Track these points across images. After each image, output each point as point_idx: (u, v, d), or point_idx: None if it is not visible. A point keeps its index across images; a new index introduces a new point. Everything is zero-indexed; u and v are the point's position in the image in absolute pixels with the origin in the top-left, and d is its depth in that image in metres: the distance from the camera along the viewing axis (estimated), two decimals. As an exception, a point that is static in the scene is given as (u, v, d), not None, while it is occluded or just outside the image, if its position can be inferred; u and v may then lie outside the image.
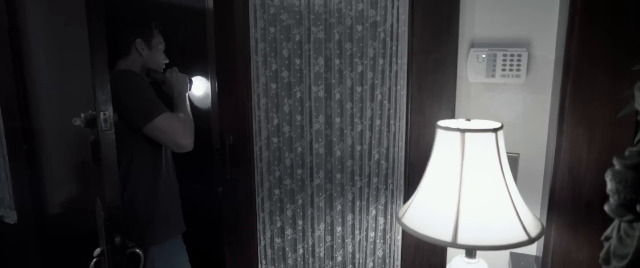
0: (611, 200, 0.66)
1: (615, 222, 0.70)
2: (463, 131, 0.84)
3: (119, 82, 1.44)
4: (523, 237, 0.80)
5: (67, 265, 2.00)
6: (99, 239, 1.36)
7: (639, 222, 0.64)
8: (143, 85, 1.54)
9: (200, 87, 1.84)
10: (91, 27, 1.22)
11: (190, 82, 1.72)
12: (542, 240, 1.10)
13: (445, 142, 0.87)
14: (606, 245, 0.72)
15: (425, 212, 0.88)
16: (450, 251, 1.34)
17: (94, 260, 1.38)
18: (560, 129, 1.00)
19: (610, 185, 0.65)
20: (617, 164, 0.65)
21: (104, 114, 1.25)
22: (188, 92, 1.70)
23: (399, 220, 0.94)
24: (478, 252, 1.01)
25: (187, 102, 1.66)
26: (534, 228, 0.84)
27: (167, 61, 1.71)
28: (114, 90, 1.31)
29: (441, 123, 0.92)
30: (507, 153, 1.21)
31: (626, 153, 0.68)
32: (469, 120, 0.96)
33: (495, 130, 0.85)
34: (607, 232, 0.73)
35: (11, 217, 2.15)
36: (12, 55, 1.92)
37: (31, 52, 1.95)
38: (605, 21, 0.93)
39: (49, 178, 2.09)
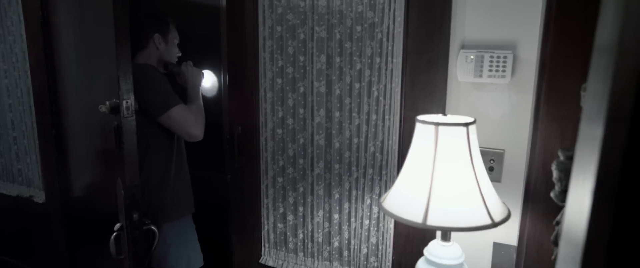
0: (556, 187, 0.74)
1: (564, 208, 0.78)
2: (437, 125, 0.93)
3: (138, 75, 1.54)
4: (487, 221, 0.89)
5: (90, 242, 2.17)
6: (119, 215, 1.49)
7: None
8: (160, 79, 1.66)
9: (209, 80, 1.97)
10: (117, 22, 1.35)
11: (203, 75, 1.84)
12: (518, 230, 1.18)
13: (422, 135, 0.96)
14: (557, 229, 0.81)
15: (402, 197, 0.97)
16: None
17: (114, 234, 1.52)
18: (535, 125, 1.07)
19: (555, 174, 0.74)
20: (560, 155, 0.73)
21: (126, 102, 1.39)
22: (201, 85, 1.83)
23: (380, 204, 1.03)
24: (460, 241, 1.09)
25: (200, 95, 1.77)
26: (499, 214, 0.92)
27: (180, 54, 1.82)
28: (134, 83, 1.45)
29: (420, 117, 1.01)
30: (493, 149, 1.30)
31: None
32: (445, 115, 1.05)
33: (466, 125, 0.93)
34: (558, 217, 0.81)
35: (40, 197, 2.33)
36: (44, 47, 2.08)
37: (61, 44, 2.11)
38: (577, 26, 1.00)
39: (75, 163, 2.25)
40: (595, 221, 0.31)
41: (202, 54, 1.96)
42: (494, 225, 0.89)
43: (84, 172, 2.25)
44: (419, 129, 0.99)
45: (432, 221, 0.89)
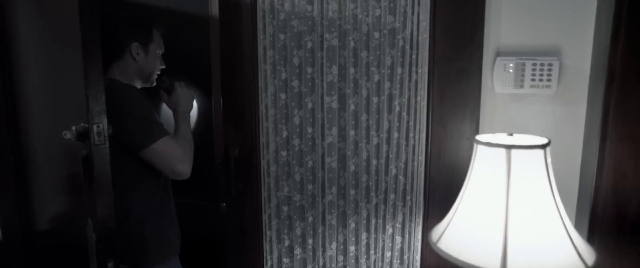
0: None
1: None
2: (509, 147, 0.76)
3: (116, 97, 1.30)
4: (579, 265, 0.72)
5: (56, 286, 1.88)
6: (90, 263, 1.24)
7: None
8: (142, 102, 1.38)
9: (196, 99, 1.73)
10: (85, 32, 1.12)
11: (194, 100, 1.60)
12: (580, 263, 1.02)
13: (487, 159, 0.79)
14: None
15: (467, 237, 0.79)
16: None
17: None
18: (602, 144, 0.92)
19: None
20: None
21: (98, 127, 1.15)
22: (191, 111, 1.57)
23: (434, 245, 0.85)
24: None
25: (190, 123, 1.53)
26: (587, 254, 0.76)
27: (164, 66, 1.55)
28: (109, 105, 1.20)
29: (481, 138, 0.84)
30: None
31: None
32: (511, 134, 0.88)
33: (543, 147, 0.77)
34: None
35: (-4, 234, 2.02)
36: (1, 62, 1.81)
37: (21, 58, 1.84)
38: (653, 28, 0.86)
39: (38, 192, 1.97)
40: None
41: (185, 69, 1.71)
42: (587, 270, 0.73)
43: (49, 205, 1.97)
44: (482, 152, 0.82)
45: (513, 267, 0.72)
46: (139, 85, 1.51)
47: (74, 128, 1.14)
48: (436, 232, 0.88)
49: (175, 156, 1.36)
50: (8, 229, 1.97)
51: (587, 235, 0.97)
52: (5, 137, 1.87)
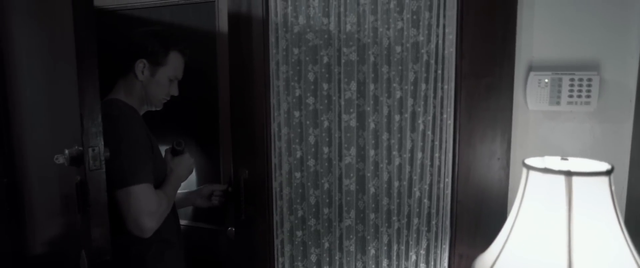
0: None
1: None
2: (569, 174, 0.68)
3: (111, 123, 1.18)
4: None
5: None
6: None
7: None
8: (137, 136, 1.25)
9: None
10: (80, 48, 1.03)
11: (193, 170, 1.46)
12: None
13: (542, 187, 0.71)
14: None
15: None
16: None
17: None
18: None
19: None
20: None
21: (93, 150, 1.05)
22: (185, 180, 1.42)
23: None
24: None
25: (177, 190, 1.37)
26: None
27: (176, 94, 1.38)
28: (105, 128, 1.08)
29: (531, 162, 0.76)
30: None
31: None
32: (565, 159, 0.80)
33: (608, 173, 0.69)
34: None
35: (-14, 261, 1.90)
36: (-7, 78, 1.72)
37: (16, 75, 1.75)
38: None
39: (31, 217, 1.87)
40: None
41: (189, 86, 1.59)
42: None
43: (44, 229, 1.86)
44: (534, 178, 0.73)
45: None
46: (144, 108, 1.37)
47: (66, 151, 1.05)
48: (482, 262, 0.79)
49: (146, 207, 1.19)
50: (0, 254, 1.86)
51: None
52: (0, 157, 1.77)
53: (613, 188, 0.70)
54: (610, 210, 0.68)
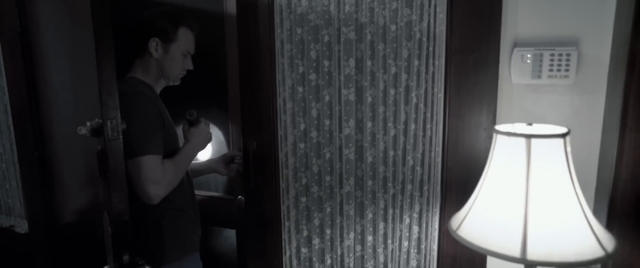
0: None
1: None
2: (529, 137, 0.77)
3: (124, 98, 1.26)
4: (599, 252, 0.74)
5: (81, 277, 1.94)
6: (106, 256, 1.28)
7: None
8: (148, 111, 1.34)
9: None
10: (97, 30, 1.13)
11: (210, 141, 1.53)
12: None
13: (507, 149, 0.81)
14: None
15: (487, 225, 0.81)
16: (490, 262, 1.28)
17: None
18: (622, 133, 0.93)
19: None
20: None
21: (111, 122, 1.17)
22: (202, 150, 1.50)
23: (454, 233, 0.87)
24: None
25: (191, 160, 1.46)
26: (608, 242, 0.77)
27: (191, 68, 1.48)
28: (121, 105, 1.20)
29: (500, 128, 0.85)
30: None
31: None
32: (530, 124, 0.90)
33: (563, 136, 0.78)
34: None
35: (22, 226, 2.09)
36: (23, 59, 1.85)
37: (43, 56, 1.88)
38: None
39: (61, 186, 2.02)
40: None
41: (200, 64, 1.71)
42: (609, 257, 0.74)
43: (74, 197, 2.02)
44: (502, 142, 0.83)
45: (533, 255, 0.73)
46: (161, 84, 1.47)
47: (88, 124, 1.17)
48: (456, 220, 0.90)
49: (151, 176, 1.29)
50: (34, 221, 2.03)
51: (606, 223, 0.98)
52: (30, 133, 1.92)
53: (568, 149, 0.79)
54: (564, 169, 0.77)
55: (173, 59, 1.42)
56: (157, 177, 1.30)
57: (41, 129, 1.95)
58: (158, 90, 1.48)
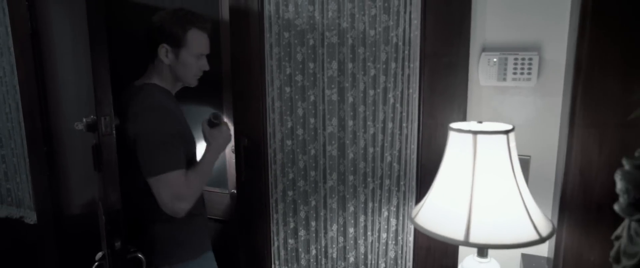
0: (621, 199, 0.67)
1: (626, 222, 0.72)
2: (475, 133, 0.86)
3: (135, 100, 1.29)
4: (534, 236, 0.82)
5: (84, 265, 2.05)
6: (100, 242, 1.38)
7: (649, 220, 0.65)
8: (169, 123, 1.31)
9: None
10: (92, 33, 1.21)
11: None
12: (553, 241, 1.11)
13: (458, 144, 0.90)
14: (616, 244, 0.74)
15: (438, 212, 0.90)
16: (462, 252, 1.36)
17: (96, 264, 1.40)
18: (571, 130, 1.01)
19: (620, 185, 0.67)
20: (626, 165, 0.67)
21: (105, 119, 1.26)
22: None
23: (412, 220, 0.96)
24: (490, 253, 1.03)
25: (216, 159, 1.44)
26: (544, 227, 0.85)
27: (207, 69, 1.44)
28: (137, 118, 1.23)
29: (453, 125, 0.94)
30: (519, 155, 1.23)
31: (636, 154, 0.70)
32: (480, 122, 0.98)
33: (506, 132, 0.87)
34: (618, 231, 0.74)
35: (31, 218, 2.20)
36: (34, 60, 1.98)
37: (52, 56, 2.01)
38: (615, 24, 0.95)
39: (68, 180, 2.14)
40: None
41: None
42: (542, 240, 0.82)
43: (79, 190, 2.14)
44: (453, 138, 0.92)
45: (475, 238, 0.82)
46: (177, 86, 1.46)
47: (84, 120, 1.28)
48: (415, 209, 0.99)
49: (177, 193, 1.28)
50: (42, 213, 2.15)
51: (559, 214, 1.07)
52: (39, 129, 2.04)
53: (512, 144, 0.88)
54: (506, 162, 0.86)
55: (185, 64, 1.38)
56: (182, 193, 1.29)
57: (49, 125, 2.07)
58: (174, 91, 1.47)
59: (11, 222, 2.26)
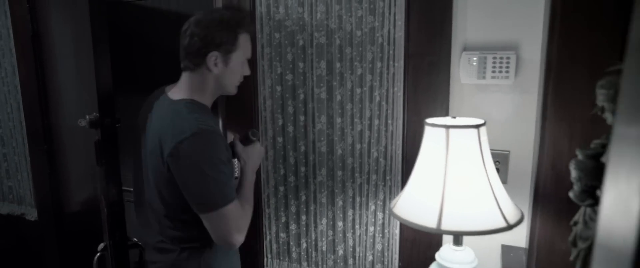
0: (575, 187, 0.73)
1: (583, 208, 0.77)
2: (448, 127, 0.91)
3: (195, 139, 1.09)
4: (502, 224, 0.87)
5: (84, 261, 2.11)
6: (103, 235, 1.45)
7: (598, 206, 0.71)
8: (221, 155, 1.14)
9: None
10: (95, 34, 1.28)
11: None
12: (529, 232, 1.16)
13: (432, 138, 0.95)
14: (574, 229, 0.79)
15: (414, 202, 0.95)
16: (446, 240, 1.41)
17: (98, 254, 1.47)
18: (543, 125, 1.06)
19: (574, 174, 0.72)
20: (579, 155, 0.72)
21: (108, 116, 1.33)
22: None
23: (390, 210, 1.01)
24: (470, 243, 1.08)
25: (253, 182, 1.31)
26: (513, 216, 0.90)
27: (249, 74, 1.29)
28: (182, 143, 1.06)
29: (428, 120, 1.00)
30: (498, 150, 1.29)
31: (591, 145, 0.75)
32: (454, 117, 1.04)
33: (477, 127, 0.92)
34: (575, 217, 0.80)
35: (32, 214, 2.26)
36: (35, 61, 2.04)
37: (53, 57, 2.07)
38: (583, 24, 1.00)
39: (68, 179, 2.20)
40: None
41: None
42: (509, 227, 0.88)
43: (78, 187, 2.20)
44: (428, 132, 0.97)
45: (446, 225, 0.87)
46: (213, 98, 1.29)
47: (87, 117, 1.34)
48: (394, 200, 1.04)
49: (236, 224, 1.15)
50: (42, 209, 2.21)
51: (532, 206, 1.12)
52: (39, 127, 2.10)
53: (483, 138, 0.93)
54: (477, 154, 0.91)
55: (233, 71, 1.23)
56: (241, 224, 1.18)
57: (50, 125, 2.14)
58: (210, 105, 1.29)
59: (12, 219, 2.32)
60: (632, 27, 0.33)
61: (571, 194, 0.73)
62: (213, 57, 1.18)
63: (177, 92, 1.24)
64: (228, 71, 1.22)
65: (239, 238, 1.17)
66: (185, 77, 1.24)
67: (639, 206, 0.29)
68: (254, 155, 1.30)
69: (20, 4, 2.00)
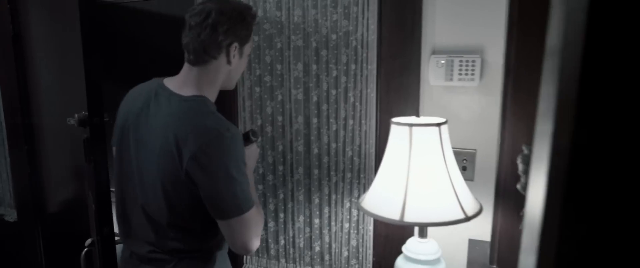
0: (522, 179, 0.79)
1: (531, 200, 0.83)
2: (411, 125, 0.97)
3: (218, 141, 1.02)
4: (460, 216, 0.94)
5: (66, 262, 2.12)
6: (90, 230, 1.47)
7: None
8: (242, 157, 1.07)
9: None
10: (85, 33, 1.31)
11: None
12: (491, 226, 1.23)
13: (397, 136, 1.01)
14: (524, 220, 0.86)
15: (379, 197, 1.01)
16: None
17: (85, 249, 1.50)
18: (503, 124, 1.13)
19: (520, 167, 0.79)
20: (525, 150, 0.78)
21: (96, 114, 1.36)
22: None
23: (358, 204, 1.07)
24: (437, 239, 1.14)
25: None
26: (471, 209, 0.97)
27: (244, 68, 1.28)
28: (201, 144, 0.98)
29: (394, 119, 1.06)
30: (466, 149, 1.36)
31: (538, 141, 0.82)
32: (418, 116, 1.10)
33: (438, 125, 0.98)
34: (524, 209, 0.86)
35: (11, 215, 2.26)
36: (15, 61, 2.05)
37: (34, 57, 2.08)
38: (538, 30, 1.07)
39: (49, 178, 2.21)
40: (549, 211, 0.35)
41: (172, 67, 1.89)
42: (467, 219, 0.94)
43: (59, 188, 2.21)
44: (394, 130, 1.03)
45: (409, 217, 0.93)
46: (217, 91, 1.21)
47: (76, 115, 1.37)
48: (363, 196, 1.10)
49: (256, 230, 1.09)
50: (22, 210, 2.21)
51: (494, 201, 1.19)
52: (20, 127, 2.11)
53: (444, 136, 0.99)
54: (438, 151, 0.97)
55: (242, 63, 1.20)
56: (259, 229, 1.12)
57: (31, 125, 2.14)
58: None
59: (-8, 220, 2.31)
60: (548, 35, 0.38)
61: (518, 186, 0.79)
62: (234, 48, 1.12)
63: (182, 87, 1.13)
64: (241, 63, 1.19)
65: (257, 243, 1.11)
66: (193, 71, 1.13)
67: (544, 185, 0.35)
68: (253, 155, 1.25)
69: (1, 4, 2.01)
